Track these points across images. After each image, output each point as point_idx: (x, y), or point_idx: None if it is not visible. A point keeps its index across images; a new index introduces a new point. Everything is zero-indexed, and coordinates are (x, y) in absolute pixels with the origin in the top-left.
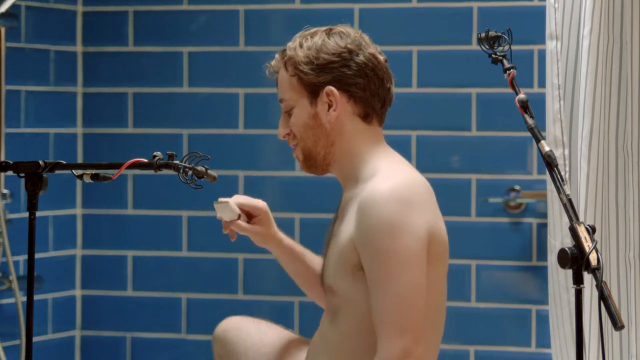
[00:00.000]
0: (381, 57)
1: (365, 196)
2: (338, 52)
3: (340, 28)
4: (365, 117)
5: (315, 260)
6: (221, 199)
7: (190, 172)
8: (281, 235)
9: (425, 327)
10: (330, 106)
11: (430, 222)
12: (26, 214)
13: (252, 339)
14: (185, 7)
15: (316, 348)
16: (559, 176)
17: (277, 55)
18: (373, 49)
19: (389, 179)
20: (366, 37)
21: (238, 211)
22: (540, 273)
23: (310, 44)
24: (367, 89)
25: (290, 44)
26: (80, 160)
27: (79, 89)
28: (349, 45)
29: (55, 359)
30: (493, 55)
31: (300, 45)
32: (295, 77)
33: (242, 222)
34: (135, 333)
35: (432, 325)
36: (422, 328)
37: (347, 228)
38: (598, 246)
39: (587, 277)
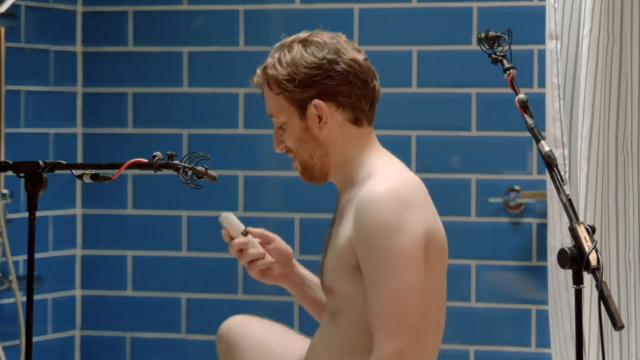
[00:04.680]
0: (361, 58)
1: (362, 198)
2: (318, 65)
3: (315, 37)
4: (356, 122)
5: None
6: (224, 213)
7: (190, 172)
8: (300, 273)
9: (425, 327)
10: (320, 118)
11: (428, 221)
12: (26, 214)
13: (257, 336)
14: (185, 7)
15: (316, 347)
16: (558, 176)
17: (258, 71)
18: (352, 51)
19: (386, 180)
20: (342, 39)
21: (242, 226)
22: (540, 273)
23: (289, 60)
24: (352, 94)
25: (269, 61)
26: (80, 160)
27: (79, 89)
28: (327, 56)
29: (55, 359)
30: (493, 55)
31: (279, 62)
32: (281, 95)
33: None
34: (135, 333)
35: (431, 325)
36: (420, 328)
37: (344, 229)
38: (598, 246)
39: (587, 277)
